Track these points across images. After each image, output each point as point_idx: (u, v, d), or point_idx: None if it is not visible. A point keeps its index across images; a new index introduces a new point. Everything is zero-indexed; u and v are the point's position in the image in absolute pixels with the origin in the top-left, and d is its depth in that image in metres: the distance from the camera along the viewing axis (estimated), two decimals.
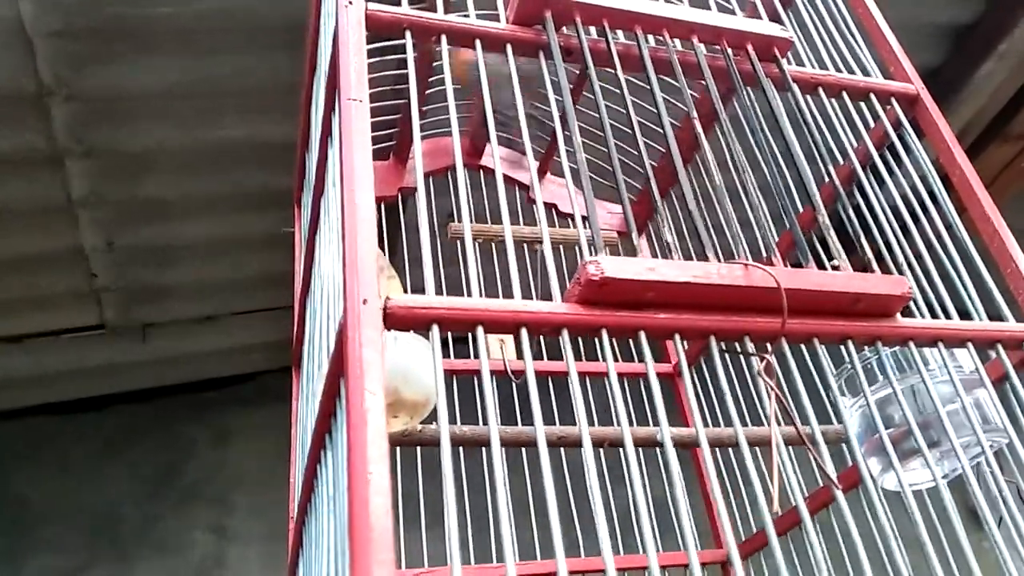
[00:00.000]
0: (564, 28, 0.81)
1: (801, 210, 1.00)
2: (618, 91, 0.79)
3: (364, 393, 0.52)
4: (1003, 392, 0.80)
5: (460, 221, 1.31)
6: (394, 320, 0.58)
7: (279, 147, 1.93)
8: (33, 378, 2.46)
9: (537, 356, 1.26)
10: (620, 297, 0.62)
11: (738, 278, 0.64)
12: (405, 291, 1.06)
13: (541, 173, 1.52)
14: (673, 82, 0.83)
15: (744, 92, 0.81)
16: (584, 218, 1.62)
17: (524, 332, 0.60)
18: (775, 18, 1.03)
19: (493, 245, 1.22)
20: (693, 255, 0.84)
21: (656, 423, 0.69)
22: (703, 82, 0.84)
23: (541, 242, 1.15)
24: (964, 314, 0.81)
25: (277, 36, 1.84)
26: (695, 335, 0.64)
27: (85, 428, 2.57)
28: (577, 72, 1.27)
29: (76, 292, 2.35)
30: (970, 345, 0.73)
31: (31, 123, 1.91)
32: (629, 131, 0.78)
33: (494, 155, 0.84)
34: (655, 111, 0.80)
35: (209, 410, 2.69)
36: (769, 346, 0.64)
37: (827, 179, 0.82)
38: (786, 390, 0.71)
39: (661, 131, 0.79)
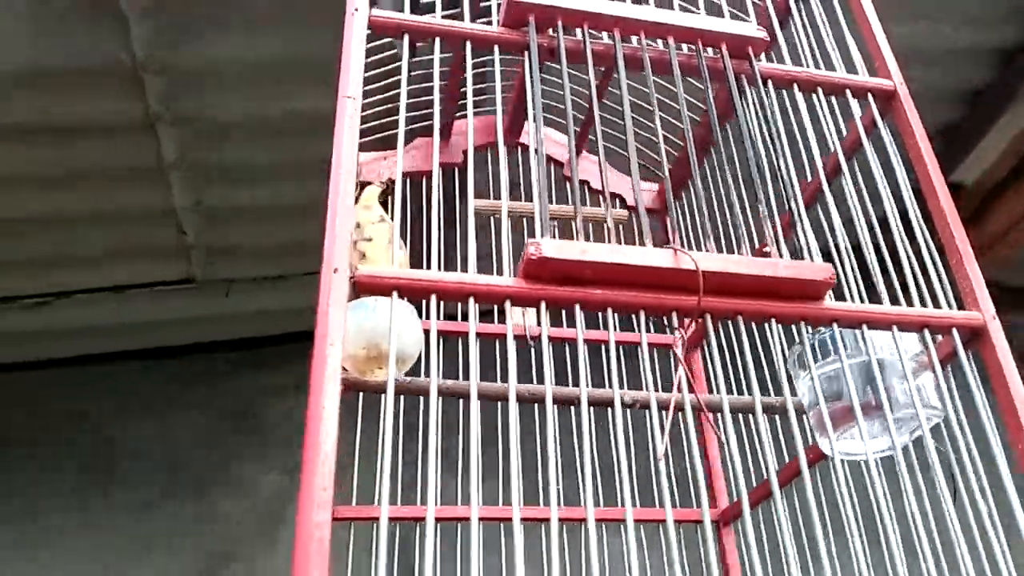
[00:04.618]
0: (550, 30, 0.90)
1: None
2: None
3: (326, 344, 0.64)
4: (948, 372, 0.87)
5: (491, 198, 1.42)
6: (360, 287, 0.69)
7: None
8: (126, 325, 2.71)
9: (556, 323, 1.37)
10: (559, 274, 0.72)
11: (665, 260, 0.73)
12: (419, 261, 1.18)
13: (577, 151, 1.61)
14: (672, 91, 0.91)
15: (708, 88, 0.89)
16: (614, 195, 1.67)
17: (472, 301, 0.71)
18: (783, 18, 1.09)
19: (492, 220, 1.32)
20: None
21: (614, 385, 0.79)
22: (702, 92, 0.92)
23: (552, 219, 1.25)
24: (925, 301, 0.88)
25: None
26: (627, 309, 0.74)
27: (169, 373, 2.82)
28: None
29: (168, 248, 2.58)
30: (895, 328, 0.79)
31: (127, 93, 2.11)
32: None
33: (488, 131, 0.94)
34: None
35: (283, 361, 2.90)
36: (676, 321, 0.73)
37: (781, 181, 0.89)
38: (707, 366, 0.79)
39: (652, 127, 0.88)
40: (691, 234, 1.38)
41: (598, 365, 1.21)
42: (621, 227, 1.44)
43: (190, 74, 2.11)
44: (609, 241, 0.77)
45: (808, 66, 1.00)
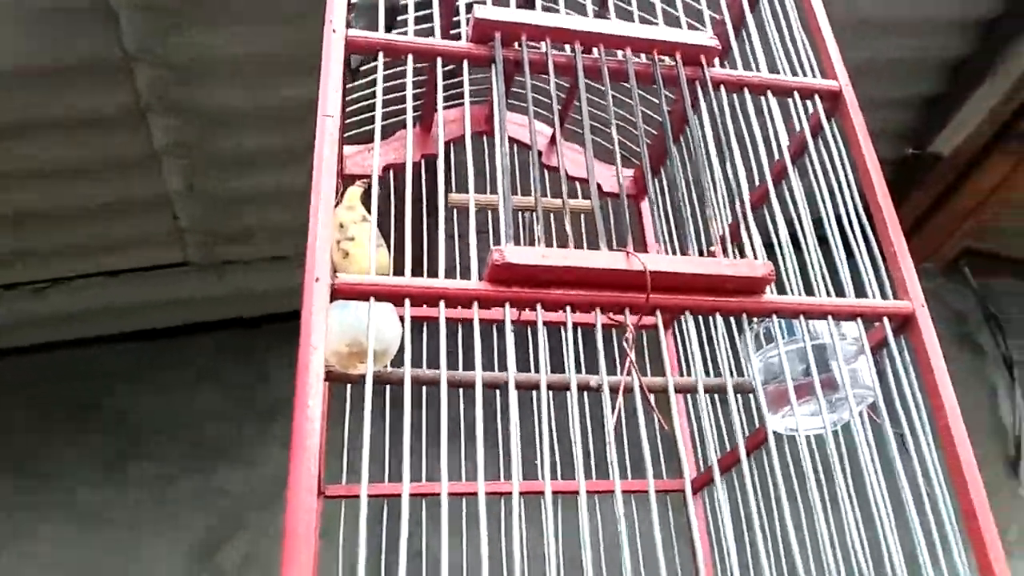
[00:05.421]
0: (516, 44, 0.96)
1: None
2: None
3: (309, 347, 0.72)
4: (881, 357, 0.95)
5: (465, 191, 1.48)
6: (340, 293, 0.77)
7: None
8: (130, 307, 2.80)
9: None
10: (522, 277, 0.80)
11: (617, 263, 0.80)
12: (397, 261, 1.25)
13: (554, 140, 1.67)
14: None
15: (662, 97, 0.96)
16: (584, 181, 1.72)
17: (442, 303, 0.78)
18: (738, 25, 1.15)
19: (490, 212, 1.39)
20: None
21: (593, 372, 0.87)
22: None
23: (531, 210, 1.32)
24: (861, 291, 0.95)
25: None
26: (583, 307, 0.81)
27: (176, 353, 2.91)
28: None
29: (164, 232, 2.65)
30: (830, 318, 0.87)
31: (119, 86, 2.17)
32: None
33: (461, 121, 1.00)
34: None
35: (282, 341, 2.97)
36: (627, 317, 0.81)
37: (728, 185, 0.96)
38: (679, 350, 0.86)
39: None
40: (664, 219, 1.45)
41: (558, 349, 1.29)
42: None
43: (181, 65, 2.17)
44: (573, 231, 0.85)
45: (762, 71, 1.06)
